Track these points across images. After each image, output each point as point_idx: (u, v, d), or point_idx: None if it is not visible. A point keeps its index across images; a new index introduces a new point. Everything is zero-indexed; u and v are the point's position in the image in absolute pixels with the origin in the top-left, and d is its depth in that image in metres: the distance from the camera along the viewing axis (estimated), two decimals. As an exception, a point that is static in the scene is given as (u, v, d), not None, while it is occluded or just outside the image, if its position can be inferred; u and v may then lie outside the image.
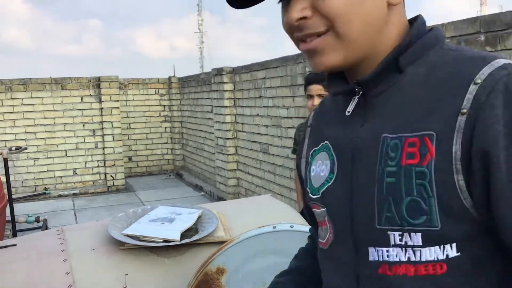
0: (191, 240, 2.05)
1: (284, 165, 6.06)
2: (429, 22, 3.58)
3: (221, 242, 1.95)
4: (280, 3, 0.83)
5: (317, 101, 3.33)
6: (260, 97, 6.58)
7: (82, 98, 9.22)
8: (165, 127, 10.86)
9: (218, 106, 7.82)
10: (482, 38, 3.04)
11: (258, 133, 6.77)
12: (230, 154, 7.65)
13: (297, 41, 0.83)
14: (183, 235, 2.10)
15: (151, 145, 10.79)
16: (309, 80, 3.40)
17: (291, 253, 1.84)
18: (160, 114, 10.80)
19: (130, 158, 10.55)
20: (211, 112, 8.40)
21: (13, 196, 6.96)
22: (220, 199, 7.65)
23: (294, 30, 0.81)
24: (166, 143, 10.91)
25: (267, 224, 1.90)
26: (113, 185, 9.40)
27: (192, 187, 9.40)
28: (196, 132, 9.81)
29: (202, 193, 8.79)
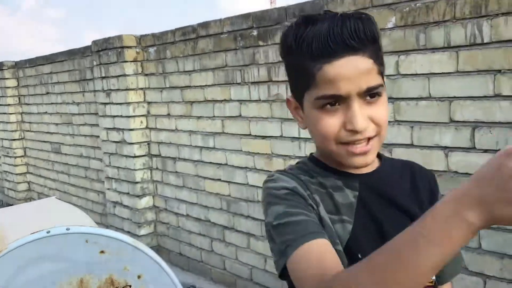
0: (-47, 257, 1.82)
1: (78, 164, 5.77)
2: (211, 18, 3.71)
3: (-9, 255, 1.76)
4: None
5: None
6: (47, 93, 6.14)
7: None
8: None
9: (0, 105, 7.09)
10: (255, 33, 3.26)
11: (48, 132, 6.32)
12: (18, 157, 7.01)
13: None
14: None
15: None
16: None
17: (68, 257, 1.76)
18: None
19: None
20: (-7, 111, 7.59)
21: None
22: (10, 206, 6.98)
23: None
24: None
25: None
26: None
27: (-25, 196, 8.39)
28: (-24, 135, 8.76)
29: (-12, 201, 7.91)
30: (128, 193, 4.66)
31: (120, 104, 4.55)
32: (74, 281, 1.76)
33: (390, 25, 2.54)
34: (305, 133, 3.07)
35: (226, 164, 3.74)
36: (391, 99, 2.60)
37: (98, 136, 5.19)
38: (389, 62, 2.56)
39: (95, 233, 1.79)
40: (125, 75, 4.44)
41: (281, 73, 3.16)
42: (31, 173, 6.98)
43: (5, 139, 7.14)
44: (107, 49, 4.61)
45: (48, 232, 1.74)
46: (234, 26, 3.43)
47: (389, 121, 2.60)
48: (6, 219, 2.37)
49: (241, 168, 3.60)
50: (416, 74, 2.48)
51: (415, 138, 2.53)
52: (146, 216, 4.61)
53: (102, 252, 1.80)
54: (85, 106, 5.44)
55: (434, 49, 2.40)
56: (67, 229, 1.78)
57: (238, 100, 3.54)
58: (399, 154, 2.60)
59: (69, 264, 1.76)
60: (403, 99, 2.55)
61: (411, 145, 2.55)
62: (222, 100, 3.68)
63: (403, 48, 2.52)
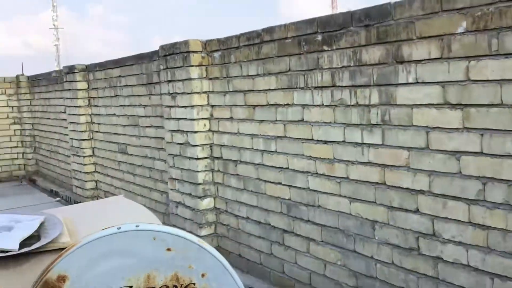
0: (31, 249, 1.93)
1: (143, 165, 5.96)
2: (282, 22, 3.74)
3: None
4: None
5: None
6: (116, 96, 6.39)
7: None
8: (14, 130, 10.05)
9: (71, 106, 7.44)
10: (320, 38, 3.26)
11: (115, 133, 6.56)
12: (87, 156, 7.32)
13: None
14: (23, 243, 1.97)
15: (-1, 149, 9.93)
16: None
17: (137, 253, 1.83)
18: (8, 116, 9.97)
19: (-27, 165, 9.61)
20: (65, 112, 7.96)
21: None
22: (78, 204, 7.29)
23: None
24: (16, 147, 10.10)
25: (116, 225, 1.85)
26: (-46, 195, 8.48)
27: (46, 193, 8.83)
28: (49, 134, 9.23)
29: (58, 198, 8.30)
30: (190, 194, 4.77)
31: (185, 107, 4.67)
32: (141, 276, 1.82)
33: (460, 29, 2.48)
34: (369, 139, 3.02)
35: (287, 168, 3.75)
36: (460, 105, 2.53)
37: (162, 138, 5.34)
38: (459, 67, 2.49)
39: (162, 231, 1.85)
40: (190, 79, 4.55)
41: (345, 78, 3.14)
42: (99, 172, 7.27)
43: (75, 139, 7.47)
44: (173, 53, 4.75)
45: (118, 228, 1.81)
46: (298, 31, 3.44)
47: (457, 128, 2.54)
48: (78, 215, 2.48)
49: (303, 172, 3.60)
50: (487, 80, 2.40)
51: (485, 146, 2.45)
52: (207, 217, 4.70)
53: (168, 249, 1.85)
54: (151, 108, 5.61)
55: (507, 55, 2.31)
56: (137, 226, 1.84)
57: (300, 105, 3.54)
58: (468, 162, 2.52)
59: (137, 260, 1.82)
60: (473, 105, 2.47)
61: (481, 153, 2.47)
62: (284, 105, 3.70)
63: (474, 53, 2.44)
